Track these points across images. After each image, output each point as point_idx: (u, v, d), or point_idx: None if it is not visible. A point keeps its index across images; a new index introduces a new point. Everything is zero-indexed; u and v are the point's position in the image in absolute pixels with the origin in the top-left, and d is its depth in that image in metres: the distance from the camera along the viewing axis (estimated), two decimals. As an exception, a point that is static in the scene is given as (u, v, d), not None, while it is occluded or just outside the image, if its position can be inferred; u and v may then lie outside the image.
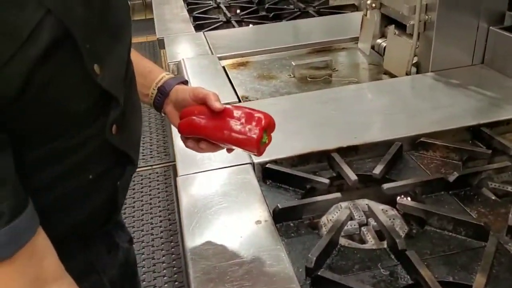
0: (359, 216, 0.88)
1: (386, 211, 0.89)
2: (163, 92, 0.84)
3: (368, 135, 1.06)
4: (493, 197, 0.89)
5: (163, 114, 0.87)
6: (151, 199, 2.64)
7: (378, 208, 0.85)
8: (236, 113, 0.76)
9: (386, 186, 0.89)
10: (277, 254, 0.75)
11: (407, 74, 1.39)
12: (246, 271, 0.72)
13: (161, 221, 2.48)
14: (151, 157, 3.02)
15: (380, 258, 0.76)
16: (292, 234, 0.82)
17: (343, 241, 0.82)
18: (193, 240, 0.79)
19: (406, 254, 0.72)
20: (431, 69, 1.35)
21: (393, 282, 0.71)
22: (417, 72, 1.39)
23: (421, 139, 1.03)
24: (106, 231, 0.84)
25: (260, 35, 1.90)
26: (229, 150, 0.83)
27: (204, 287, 0.70)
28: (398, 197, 0.88)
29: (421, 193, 0.89)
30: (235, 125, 0.74)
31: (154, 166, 2.93)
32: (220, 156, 0.93)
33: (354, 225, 0.87)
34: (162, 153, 3.07)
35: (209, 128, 0.77)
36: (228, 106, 0.78)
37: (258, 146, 0.74)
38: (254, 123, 0.74)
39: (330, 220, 0.86)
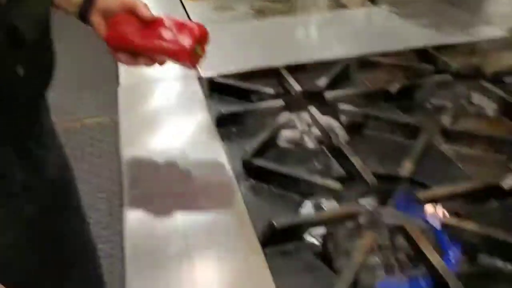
0: (303, 126, 0.90)
1: (331, 124, 0.91)
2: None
3: (317, 54, 1.07)
4: (431, 108, 0.91)
5: (89, 25, 0.81)
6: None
7: (321, 116, 0.86)
8: (168, 23, 0.73)
9: (328, 93, 0.90)
10: (215, 152, 0.76)
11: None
12: (184, 164, 0.73)
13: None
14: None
15: (317, 155, 0.78)
16: (234, 138, 0.83)
17: (283, 144, 0.83)
18: (133, 147, 0.79)
19: (340, 148, 0.74)
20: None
21: (326, 173, 0.73)
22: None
23: (369, 59, 1.05)
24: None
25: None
26: (162, 63, 0.79)
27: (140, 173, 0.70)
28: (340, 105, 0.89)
29: (364, 104, 0.91)
30: (166, 34, 0.72)
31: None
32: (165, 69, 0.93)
33: (296, 133, 0.89)
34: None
35: (138, 38, 0.74)
36: (159, 16, 0.75)
37: (190, 57, 0.71)
38: (186, 33, 0.71)
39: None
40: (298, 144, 0.85)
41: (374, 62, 1.04)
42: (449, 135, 0.79)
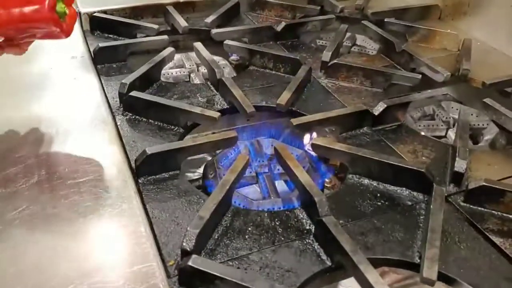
0: (190, 65, 0.88)
1: (218, 62, 0.90)
2: None
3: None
4: (315, 47, 0.94)
5: None
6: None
7: (207, 53, 0.84)
8: None
9: (214, 31, 0.89)
10: (90, 88, 0.72)
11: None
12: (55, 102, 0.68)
13: None
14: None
15: (200, 90, 0.76)
16: (113, 73, 0.79)
17: (169, 81, 0.81)
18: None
19: (223, 80, 0.73)
20: None
21: (209, 107, 0.72)
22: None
23: (258, -1, 1.04)
24: None
25: None
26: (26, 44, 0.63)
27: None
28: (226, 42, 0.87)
29: (250, 41, 0.91)
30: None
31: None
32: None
33: (184, 73, 0.87)
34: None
35: None
36: None
37: (54, 17, 0.57)
38: None
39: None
40: (185, 82, 0.83)
41: (263, 2, 1.04)
42: (328, 69, 0.81)
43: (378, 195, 0.58)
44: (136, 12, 0.96)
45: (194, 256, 0.45)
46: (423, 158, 0.65)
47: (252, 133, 0.74)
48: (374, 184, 0.60)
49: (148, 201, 0.55)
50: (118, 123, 0.67)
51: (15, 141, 0.60)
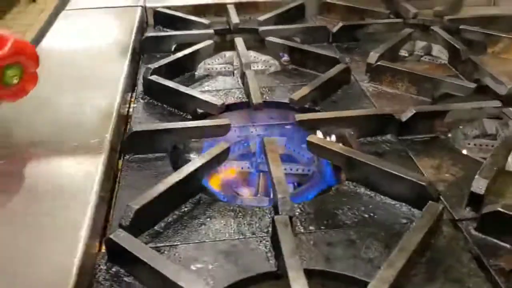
0: (226, 59, 0.87)
1: (268, 61, 0.87)
2: None
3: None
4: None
5: None
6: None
7: (244, 48, 0.80)
8: None
9: (262, 28, 0.86)
10: (116, 72, 0.74)
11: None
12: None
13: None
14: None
15: (227, 83, 0.74)
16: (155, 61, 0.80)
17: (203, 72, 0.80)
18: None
19: (245, 74, 0.70)
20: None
21: (224, 97, 0.69)
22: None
23: (326, 1, 0.99)
24: None
25: None
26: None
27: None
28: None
29: (303, 41, 0.87)
30: None
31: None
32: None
33: (229, 69, 0.86)
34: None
35: None
36: None
37: None
38: None
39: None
40: (222, 76, 0.81)
41: (330, 4, 0.98)
42: (372, 72, 0.73)
43: (370, 206, 0.50)
44: (199, 9, 0.98)
45: (118, 230, 0.42)
46: (446, 175, 0.54)
47: (265, 130, 0.69)
48: (370, 195, 0.51)
49: (123, 175, 0.54)
50: (134, 105, 0.68)
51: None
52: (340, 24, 0.86)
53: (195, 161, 0.51)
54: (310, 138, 0.54)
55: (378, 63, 0.72)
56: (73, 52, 0.79)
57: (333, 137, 0.65)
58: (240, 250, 0.44)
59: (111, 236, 0.42)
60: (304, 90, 0.65)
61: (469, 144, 0.65)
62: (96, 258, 0.43)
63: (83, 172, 0.51)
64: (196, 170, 0.50)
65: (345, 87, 0.72)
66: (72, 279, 0.38)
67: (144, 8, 0.96)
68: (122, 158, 0.57)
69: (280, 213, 0.45)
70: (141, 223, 0.46)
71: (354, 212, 0.49)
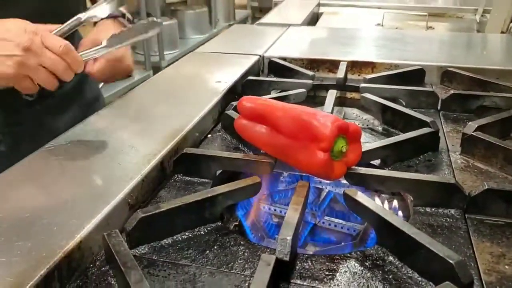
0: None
1: (368, 120, 0.84)
2: None
3: (388, 57, 0.99)
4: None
5: None
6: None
7: (331, 103, 0.78)
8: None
9: (363, 85, 0.83)
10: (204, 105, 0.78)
11: (502, 33, 1.22)
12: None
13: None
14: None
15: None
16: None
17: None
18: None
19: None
20: (531, 32, 1.16)
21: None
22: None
23: (448, 69, 0.92)
24: None
25: None
26: None
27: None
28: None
29: (408, 105, 0.81)
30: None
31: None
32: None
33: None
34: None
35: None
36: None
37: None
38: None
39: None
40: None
41: (451, 73, 0.91)
42: (464, 142, 0.65)
43: (390, 276, 0.43)
44: (313, 64, 0.99)
45: (114, 231, 0.44)
46: (506, 267, 0.44)
47: (328, 184, 0.65)
48: (397, 265, 0.44)
49: (162, 192, 0.56)
50: (209, 135, 0.72)
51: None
52: (451, 92, 0.79)
53: (220, 187, 0.50)
54: (348, 191, 0.50)
55: (472, 133, 0.64)
56: (182, 83, 0.87)
57: (395, 203, 0.58)
58: (223, 285, 0.42)
59: (105, 234, 0.43)
60: (373, 145, 0.60)
61: None
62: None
63: (122, 175, 0.54)
64: (217, 196, 0.50)
65: (429, 154, 0.65)
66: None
67: (262, 57, 1.01)
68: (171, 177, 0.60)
69: (276, 254, 0.42)
70: (146, 233, 0.47)
71: (367, 278, 0.43)
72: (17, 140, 0.76)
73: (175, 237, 0.48)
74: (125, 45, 0.63)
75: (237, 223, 0.57)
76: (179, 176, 0.60)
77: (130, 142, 0.63)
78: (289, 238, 0.43)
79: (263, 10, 4.07)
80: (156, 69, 2.72)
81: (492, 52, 1.11)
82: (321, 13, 1.63)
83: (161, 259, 0.45)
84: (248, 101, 0.58)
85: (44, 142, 0.62)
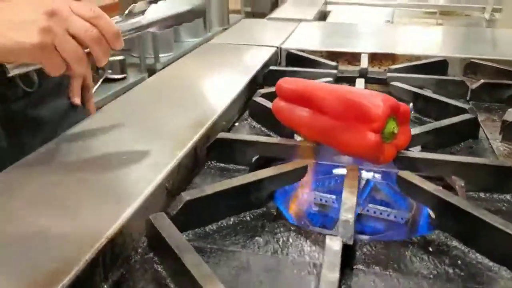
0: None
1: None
2: None
3: (408, 49, 0.97)
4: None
5: None
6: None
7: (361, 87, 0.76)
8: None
9: (390, 74, 0.80)
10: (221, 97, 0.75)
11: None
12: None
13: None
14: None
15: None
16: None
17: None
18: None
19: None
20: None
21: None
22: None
23: (471, 60, 0.90)
24: None
25: None
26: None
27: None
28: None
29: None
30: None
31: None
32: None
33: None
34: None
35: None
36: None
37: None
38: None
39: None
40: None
41: (475, 64, 0.89)
42: (506, 129, 0.62)
43: (459, 262, 0.40)
44: (332, 56, 0.97)
45: (160, 213, 0.40)
46: None
47: (369, 172, 0.62)
48: (463, 250, 0.41)
49: (197, 179, 0.53)
50: (237, 124, 0.68)
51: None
52: (482, 81, 0.77)
53: (264, 171, 0.47)
54: (401, 173, 0.47)
55: (514, 119, 0.62)
56: (204, 73, 0.84)
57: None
58: (282, 271, 0.39)
59: (150, 217, 0.40)
60: (415, 131, 0.57)
61: None
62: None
63: (157, 161, 0.51)
64: (262, 180, 0.46)
65: (470, 141, 0.63)
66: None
67: (279, 49, 0.98)
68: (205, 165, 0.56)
69: (340, 237, 0.39)
70: (191, 217, 0.43)
71: (435, 263, 0.40)
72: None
73: (219, 223, 0.45)
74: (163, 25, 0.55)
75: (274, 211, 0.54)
76: (213, 163, 0.56)
77: (160, 131, 0.59)
78: (351, 219, 0.39)
79: (256, 15, 4.07)
80: (151, 71, 2.68)
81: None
82: (329, 11, 1.62)
83: (209, 245, 0.42)
84: (287, 82, 0.55)
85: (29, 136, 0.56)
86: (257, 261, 0.40)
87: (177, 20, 0.55)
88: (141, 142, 0.56)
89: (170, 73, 0.86)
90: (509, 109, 0.64)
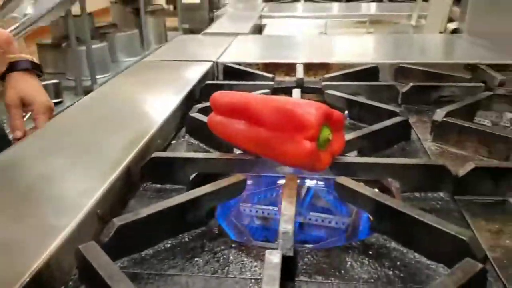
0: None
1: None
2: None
3: (341, 57, 0.99)
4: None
5: None
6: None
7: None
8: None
9: (324, 83, 0.82)
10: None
11: (441, 33, 1.27)
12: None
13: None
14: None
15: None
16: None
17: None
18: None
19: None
20: (467, 32, 1.22)
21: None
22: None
23: (400, 65, 0.93)
24: None
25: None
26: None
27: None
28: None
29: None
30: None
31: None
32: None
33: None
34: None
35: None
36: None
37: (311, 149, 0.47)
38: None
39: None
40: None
41: (406, 69, 0.92)
42: (436, 129, 0.64)
43: (398, 263, 0.40)
44: (269, 68, 0.97)
45: (91, 242, 0.38)
46: (507, 241, 0.43)
47: (309, 180, 0.62)
48: (402, 251, 0.42)
49: (133, 202, 0.51)
50: (173, 141, 0.67)
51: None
52: (411, 84, 0.80)
53: (201, 188, 0.46)
54: (338, 179, 0.47)
55: (444, 119, 0.64)
56: (138, 91, 0.81)
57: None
58: (223, 290, 0.38)
59: (80, 247, 0.37)
60: (349, 136, 0.58)
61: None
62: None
63: (87, 187, 0.48)
64: (200, 198, 0.45)
65: (403, 143, 0.64)
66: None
67: (216, 63, 0.98)
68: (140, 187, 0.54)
69: (280, 249, 0.38)
70: (124, 244, 0.41)
71: (376, 267, 0.40)
72: None
73: (156, 246, 0.43)
74: None
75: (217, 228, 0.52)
76: (148, 184, 0.54)
77: (92, 153, 0.57)
78: (290, 230, 0.39)
79: (194, 31, 4.06)
80: (88, 93, 2.61)
81: (438, 49, 1.15)
82: (264, 25, 1.63)
83: (145, 271, 0.40)
84: (222, 96, 0.54)
85: None
86: (197, 283, 0.39)
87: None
88: (72, 167, 0.53)
89: (104, 93, 0.83)
90: (437, 110, 0.67)
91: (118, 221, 0.40)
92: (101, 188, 0.48)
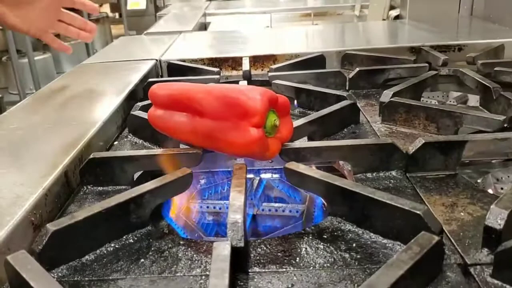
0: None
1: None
2: None
3: (287, 48, 0.98)
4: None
5: None
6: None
7: None
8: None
9: (271, 74, 0.80)
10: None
11: (384, 20, 1.29)
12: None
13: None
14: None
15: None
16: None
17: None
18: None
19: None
20: (408, 17, 1.24)
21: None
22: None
23: (347, 52, 0.93)
24: None
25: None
26: None
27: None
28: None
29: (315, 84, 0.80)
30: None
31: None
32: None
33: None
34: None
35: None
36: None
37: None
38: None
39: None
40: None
41: (351, 55, 0.92)
42: (384, 110, 0.64)
43: (354, 245, 0.39)
44: (215, 63, 0.95)
45: (21, 251, 0.34)
46: (461, 214, 0.43)
47: (260, 172, 0.60)
48: (357, 232, 0.40)
49: (70, 208, 0.47)
50: (116, 142, 0.63)
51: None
52: (357, 69, 0.79)
53: (144, 185, 0.43)
54: (288, 164, 0.45)
55: (391, 99, 0.63)
56: (79, 92, 0.77)
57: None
58: (172, 289, 0.35)
59: (8, 258, 0.34)
60: (298, 122, 0.57)
61: (502, 189, 0.53)
62: None
63: (20, 192, 0.44)
64: (142, 195, 0.42)
65: (352, 127, 0.64)
66: None
67: (159, 61, 0.94)
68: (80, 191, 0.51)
69: (229, 240, 0.36)
70: (61, 251, 0.38)
71: (331, 251, 0.38)
72: None
73: (98, 251, 0.40)
74: None
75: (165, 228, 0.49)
76: (89, 187, 0.51)
77: (28, 157, 0.53)
78: (240, 220, 0.37)
79: (143, 37, 4.00)
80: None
81: (382, 35, 1.16)
82: (209, 22, 1.61)
83: (86, 278, 0.37)
84: (161, 88, 0.51)
85: None
86: (143, 284, 0.36)
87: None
88: (5, 172, 0.49)
89: (43, 95, 0.78)
90: (385, 91, 0.67)
91: (52, 227, 0.37)
92: (35, 194, 0.44)
